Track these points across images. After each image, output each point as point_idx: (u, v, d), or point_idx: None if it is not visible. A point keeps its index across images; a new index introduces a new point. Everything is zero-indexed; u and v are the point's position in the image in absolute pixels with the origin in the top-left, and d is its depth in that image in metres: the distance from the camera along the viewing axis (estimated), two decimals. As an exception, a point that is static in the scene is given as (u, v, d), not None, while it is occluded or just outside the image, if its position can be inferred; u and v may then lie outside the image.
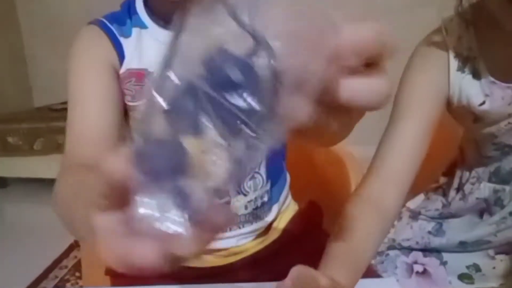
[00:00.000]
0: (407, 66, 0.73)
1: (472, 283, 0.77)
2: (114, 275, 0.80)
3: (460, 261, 0.80)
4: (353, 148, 0.99)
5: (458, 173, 0.82)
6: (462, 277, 0.78)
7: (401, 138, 0.68)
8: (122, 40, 0.69)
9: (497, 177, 0.77)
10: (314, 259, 0.80)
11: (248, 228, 0.78)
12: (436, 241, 0.81)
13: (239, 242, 0.78)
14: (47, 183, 2.65)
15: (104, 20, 0.71)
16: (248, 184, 0.76)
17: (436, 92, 0.70)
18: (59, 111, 2.67)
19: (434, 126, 0.70)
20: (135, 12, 0.71)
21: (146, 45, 0.69)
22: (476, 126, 0.72)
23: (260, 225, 0.79)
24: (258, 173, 0.79)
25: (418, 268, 0.79)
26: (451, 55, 0.69)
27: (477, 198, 0.78)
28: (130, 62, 0.69)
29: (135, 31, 0.70)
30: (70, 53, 0.71)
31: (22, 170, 2.58)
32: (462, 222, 0.81)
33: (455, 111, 0.72)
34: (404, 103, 0.70)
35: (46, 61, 3.07)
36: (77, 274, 1.76)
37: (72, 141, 0.68)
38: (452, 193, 0.82)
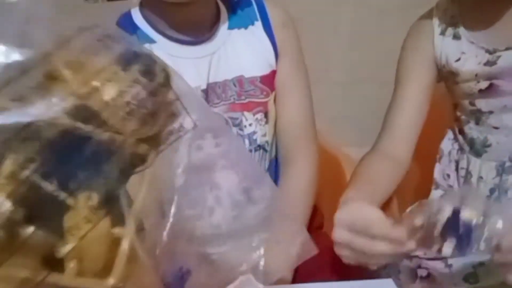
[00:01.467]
0: (404, 41, 0.85)
1: (477, 281, 0.77)
2: None
3: (466, 263, 0.78)
4: (350, 150, 1.00)
5: (445, 141, 0.88)
6: (467, 277, 0.77)
7: (403, 101, 0.82)
8: None
9: (473, 150, 0.82)
10: (315, 262, 0.80)
11: (255, 238, 0.76)
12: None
13: None
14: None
15: None
16: (257, 193, 0.76)
17: (425, 57, 0.82)
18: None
19: (431, 88, 0.83)
20: (137, 27, 0.70)
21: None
22: (454, 87, 0.82)
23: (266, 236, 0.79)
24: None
25: (422, 272, 0.79)
26: (436, 23, 0.81)
27: (461, 168, 0.84)
28: None
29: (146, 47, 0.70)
30: None
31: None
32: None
33: (441, 73, 0.83)
34: (403, 71, 0.84)
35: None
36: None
37: None
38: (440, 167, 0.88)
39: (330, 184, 0.95)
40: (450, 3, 0.81)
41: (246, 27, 0.77)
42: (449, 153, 0.88)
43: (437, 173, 0.88)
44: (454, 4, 0.81)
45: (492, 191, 0.79)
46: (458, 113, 0.85)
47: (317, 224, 0.86)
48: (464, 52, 0.78)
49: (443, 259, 0.80)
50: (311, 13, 2.14)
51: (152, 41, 0.69)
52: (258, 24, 0.78)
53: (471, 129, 0.82)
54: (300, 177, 0.80)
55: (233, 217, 0.74)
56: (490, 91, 0.76)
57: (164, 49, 0.67)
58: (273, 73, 0.78)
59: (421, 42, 0.83)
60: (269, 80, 0.77)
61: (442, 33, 0.80)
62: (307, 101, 0.82)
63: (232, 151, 0.38)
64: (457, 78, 0.80)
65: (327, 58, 1.90)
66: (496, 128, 0.78)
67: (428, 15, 0.83)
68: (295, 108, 0.80)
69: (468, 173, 0.82)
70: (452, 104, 0.88)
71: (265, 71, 0.77)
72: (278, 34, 0.78)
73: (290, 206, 0.79)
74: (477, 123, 0.81)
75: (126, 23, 0.70)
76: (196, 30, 0.72)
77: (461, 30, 0.79)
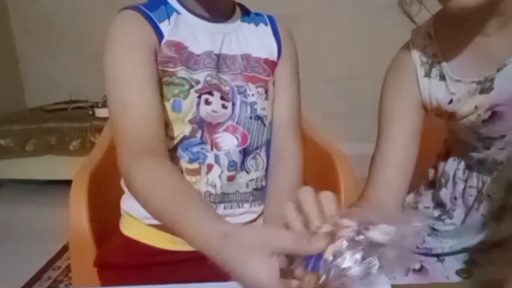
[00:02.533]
0: (383, 83, 0.79)
1: (470, 277, 0.77)
2: (102, 266, 0.83)
3: (458, 258, 0.80)
4: (342, 146, 1.01)
5: (449, 163, 0.84)
6: (459, 271, 0.78)
7: (389, 149, 0.76)
8: (160, 24, 0.77)
9: (483, 168, 0.78)
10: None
11: (245, 208, 0.82)
12: (432, 242, 0.82)
13: None
14: (40, 184, 2.65)
15: (143, 8, 0.78)
16: (250, 163, 0.82)
17: (410, 101, 0.76)
18: (51, 112, 2.65)
19: (418, 132, 0.77)
20: (166, 2, 0.81)
21: (181, 27, 0.80)
22: (452, 123, 0.77)
23: (255, 209, 0.84)
24: (259, 154, 0.84)
25: (415, 265, 0.79)
26: (418, 64, 0.75)
27: (470, 187, 0.80)
28: (170, 35, 0.77)
29: (173, 15, 0.80)
30: (111, 36, 0.75)
31: (15, 172, 2.57)
32: (456, 219, 0.82)
33: (433, 112, 0.78)
34: (386, 117, 0.77)
35: (38, 62, 3.06)
36: (71, 275, 1.76)
37: (131, 122, 0.70)
38: (440, 183, 0.84)
39: (321, 179, 0.97)
40: (428, 40, 0.75)
41: (256, 25, 0.87)
42: (455, 174, 0.82)
43: (443, 199, 0.83)
44: (432, 41, 0.75)
45: (499, 209, 0.76)
46: (463, 137, 0.79)
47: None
48: (453, 92, 0.72)
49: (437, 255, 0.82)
50: (308, 10, 2.15)
51: (178, 12, 0.80)
52: (268, 27, 0.88)
53: (479, 153, 0.77)
54: (290, 171, 0.85)
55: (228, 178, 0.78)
56: (493, 119, 0.71)
57: (186, 20, 0.80)
58: (273, 63, 0.86)
59: (403, 86, 0.76)
60: (271, 64, 0.86)
61: (427, 75, 0.74)
62: (297, 102, 0.89)
63: None
64: (455, 116, 0.74)
65: (323, 54, 1.90)
66: (501, 149, 0.74)
67: (406, 53, 0.77)
68: (286, 108, 0.87)
69: (479, 192, 0.78)
70: (450, 132, 0.83)
71: (269, 57, 0.86)
72: (283, 40, 0.88)
73: (281, 198, 0.81)
74: (487, 148, 0.75)
75: None
76: (214, 15, 0.83)
77: (445, 69, 0.73)
